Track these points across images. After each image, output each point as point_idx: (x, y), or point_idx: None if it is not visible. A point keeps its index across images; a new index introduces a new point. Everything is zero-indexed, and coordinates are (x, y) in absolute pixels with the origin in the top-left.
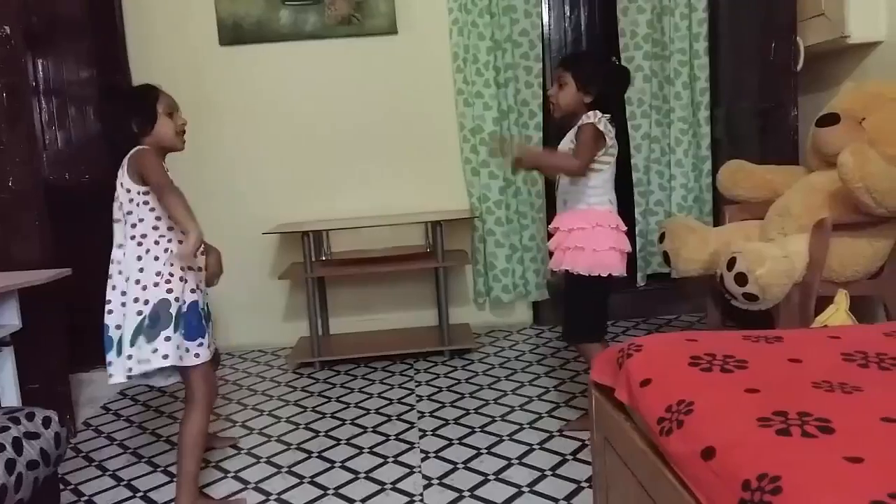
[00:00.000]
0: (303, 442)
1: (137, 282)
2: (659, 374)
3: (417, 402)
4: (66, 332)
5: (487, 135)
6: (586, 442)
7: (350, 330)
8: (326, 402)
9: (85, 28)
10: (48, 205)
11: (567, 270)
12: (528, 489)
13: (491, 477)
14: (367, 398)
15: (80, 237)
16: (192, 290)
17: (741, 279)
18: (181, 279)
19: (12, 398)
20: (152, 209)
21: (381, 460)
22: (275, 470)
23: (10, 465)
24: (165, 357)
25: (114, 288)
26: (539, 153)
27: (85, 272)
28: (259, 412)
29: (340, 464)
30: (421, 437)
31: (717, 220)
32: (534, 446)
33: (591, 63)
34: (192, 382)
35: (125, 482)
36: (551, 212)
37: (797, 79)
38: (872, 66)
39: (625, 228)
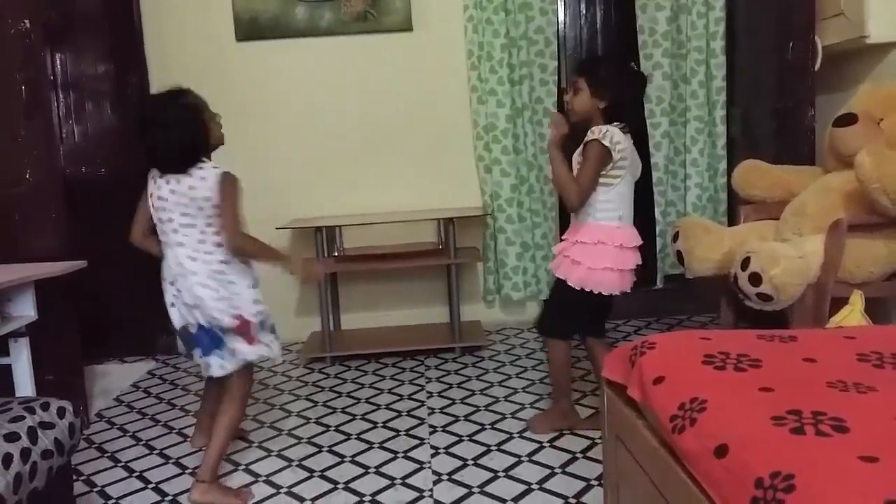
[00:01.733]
0: (313, 436)
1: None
2: (672, 372)
3: (428, 398)
4: (81, 324)
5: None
6: (597, 440)
7: (361, 326)
8: (337, 398)
9: (103, 23)
10: (65, 198)
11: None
12: (537, 486)
13: (500, 474)
14: (378, 394)
15: (96, 230)
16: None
17: (755, 279)
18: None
19: (27, 388)
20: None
21: (391, 455)
22: (285, 463)
23: (25, 454)
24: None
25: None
26: (555, 156)
27: (100, 265)
28: (270, 406)
29: (350, 458)
30: (431, 434)
31: (732, 221)
32: (543, 444)
33: (605, 68)
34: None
35: (137, 473)
36: (563, 211)
37: (815, 79)
38: (891, 67)
39: (634, 244)
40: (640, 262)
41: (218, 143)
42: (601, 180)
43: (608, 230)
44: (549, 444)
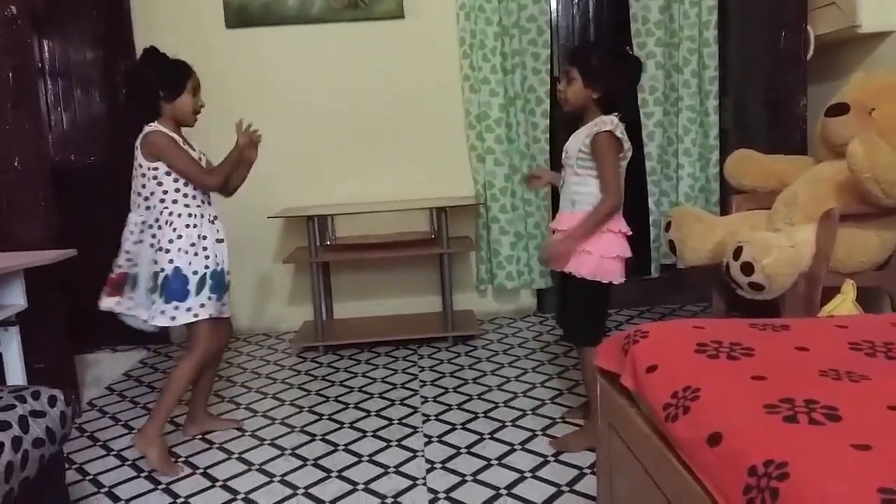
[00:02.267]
0: (306, 425)
1: (180, 249)
2: (665, 361)
3: (421, 387)
4: (71, 313)
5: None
6: None
7: (354, 315)
8: (330, 386)
9: (91, 10)
10: (53, 186)
11: (569, 272)
12: (530, 474)
13: (493, 462)
14: (371, 382)
15: (86, 218)
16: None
17: (747, 268)
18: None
19: (18, 377)
20: (160, 184)
21: (385, 444)
22: (278, 452)
23: (16, 443)
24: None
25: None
26: (570, 237)
27: (90, 253)
28: (263, 395)
29: (344, 447)
30: (424, 422)
31: (724, 210)
32: (536, 432)
33: (598, 57)
34: (194, 333)
35: (129, 462)
36: (555, 200)
37: (807, 68)
38: (883, 56)
39: (630, 233)
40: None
41: (185, 123)
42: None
43: (615, 219)
44: (541, 433)
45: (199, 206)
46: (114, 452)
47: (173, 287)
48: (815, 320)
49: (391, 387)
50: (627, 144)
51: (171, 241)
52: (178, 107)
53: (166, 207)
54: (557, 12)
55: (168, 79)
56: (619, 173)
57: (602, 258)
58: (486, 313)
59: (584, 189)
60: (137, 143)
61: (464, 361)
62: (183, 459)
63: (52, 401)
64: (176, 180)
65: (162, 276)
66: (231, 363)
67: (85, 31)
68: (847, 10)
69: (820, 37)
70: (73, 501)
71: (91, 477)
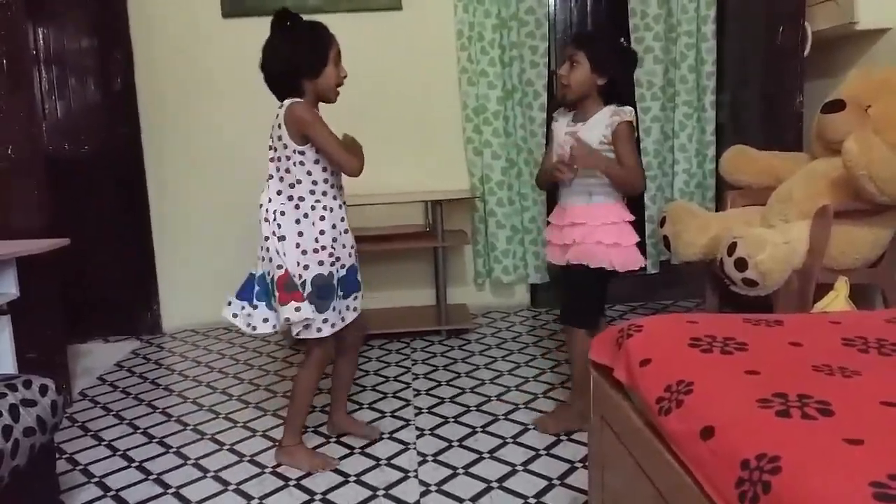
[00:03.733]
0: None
1: (297, 245)
2: (659, 355)
3: (413, 380)
4: (64, 302)
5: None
6: None
7: None
8: (323, 378)
9: None
10: (47, 174)
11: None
12: (521, 468)
13: (485, 455)
14: (364, 375)
15: (79, 207)
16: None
17: (741, 264)
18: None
19: (9, 367)
20: (309, 172)
21: (377, 436)
22: (270, 444)
23: (6, 432)
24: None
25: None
26: (608, 160)
27: (84, 242)
28: (255, 387)
29: (336, 439)
30: (416, 415)
31: (720, 207)
32: (528, 426)
33: (606, 43)
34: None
35: (120, 452)
36: (551, 195)
37: (804, 64)
38: (880, 53)
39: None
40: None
41: (328, 99)
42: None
43: (623, 209)
44: (533, 427)
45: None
46: (105, 442)
47: (324, 290)
48: (809, 316)
49: (384, 379)
50: (635, 134)
51: (316, 240)
52: (322, 83)
53: (318, 201)
54: (556, 5)
55: (313, 47)
56: (638, 156)
57: (627, 248)
58: (481, 307)
59: (603, 180)
60: (280, 120)
61: (457, 355)
62: (175, 450)
63: (44, 390)
64: (325, 167)
65: (303, 278)
66: (224, 354)
67: (80, 19)
68: (845, 6)
69: (817, 33)
70: (64, 491)
71: (82, 467)
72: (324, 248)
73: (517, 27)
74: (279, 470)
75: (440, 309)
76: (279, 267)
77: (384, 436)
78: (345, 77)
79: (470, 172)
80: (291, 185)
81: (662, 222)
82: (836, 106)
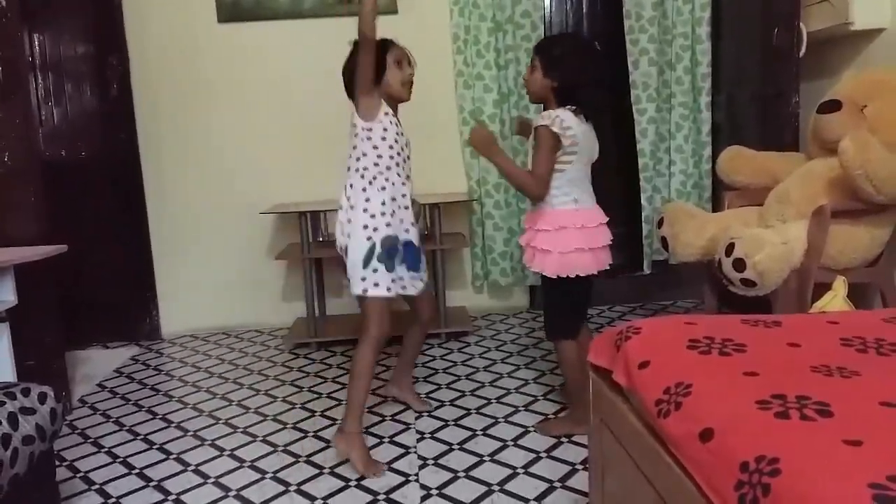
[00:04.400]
0: (299, 421)
1: (365, 210)
2: (657, 357)
3: (413, 383)
4: (62, 309)
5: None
6: None
7: (346, 311)
8: (322, 383)
9: (82, 3)
10: (44, 181)
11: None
12: (522, 471)
13: (486, 458)
14: None
15: (77, 213)
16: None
17: (739, 265)
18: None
19: (8, 374)
20: (375, 146)
21: (377, 440)
22: (271, 449)
23: (5, 440)
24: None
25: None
26: (498, 151)
27: (81, 249)
28: (255, 391)
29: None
30: (416, 419)
31: (717, 207)
32: (529, 428)
33: (560, 47)
34: (366, 314)
35: (121, 459)
36: None
37: (799, 65)
38: (875, 54)
39: (599, 222)
40: (612, 239)
41: (399, 97)
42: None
43: (567, 214)
44: (533, 429)
45: None
46: (105, 449)
47: (392, 251)
48: (807, 316)
49: (383, 383)
50: (569, 140)
51: (382, 203)
52: (387, 83)
53: (381, 172)
54: (551, 8)
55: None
56: (549, 167)
57: (562, 255)
58: (480, 310)
59: None
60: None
61: (456, 358)
62: (175, 456)
63: (43, 397)
64: (390, 144)
65: (373, 240)
66: (223, 360)
67: (76, 26)
68: (840, 7)
69: (812, 34)
70: (64, 499)
71: (82, 474)
72: (392, 213)
73: (513, 30)
74: (279, 475)
75: (439, 312)
76: (348, 236)
77: (384, 440)
78: (411, 75)
79: (467, 175)
80: (357, 159)
81: (660, 223)
82: (832, 106)
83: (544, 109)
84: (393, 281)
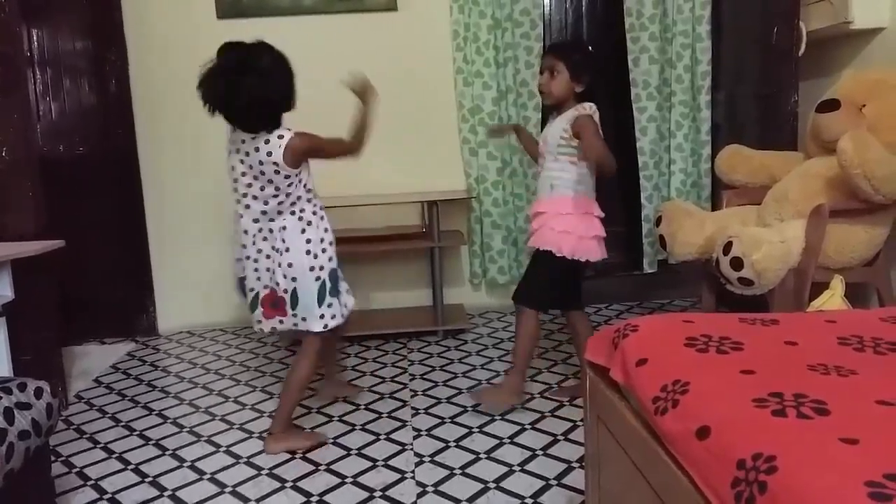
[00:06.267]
0: (296, 418)
1: (308, 252)
2: (655, 355)
3: (410, 380)
4: (59, 304)
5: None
6: (578, 423)
7: None
8: (319, 379)
9: None
10: (42, 176)
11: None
12: (518, 468)
13: (482, 455)
14: (360, 376)
15: (74, 209)
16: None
17: (737, 264)
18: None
19: (4, 369)
20: (305, 185)
21: (374, 437)
22: None
23: (1, 435)
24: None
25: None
26: (594, 132)
27: (78, 244)
28: (251, 388)
29: (333, 440)
30: (413, 416)
31: (716, 206)
32: (525, 426)
33: (582, 52)
34: (311, 339)
35: (116, 455)
36: None
37: (798, 64)
38: (874, 53)
39: (602, 215)
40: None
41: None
42: (580, 156)
43: (589, 202)
44: (530, 427)
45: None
46: (100, 445)
47: (338, 282)
48: (804, 315)
49: (380, 380)
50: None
51: (321, 240)
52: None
53: (314, 206)
54: (550, 6)
55: (290, 84)
56: (602, 142)
57: (581, 238)
58: (478, 308)
59: (563, 174)
60: (275, 156)
61: (454, 355)
62: (171, 452)
63: (39, 393)
64: (309, 174)
65: (321, 278)
66: (220, 356)
67: (74, 21)
68: (839, 6)
69: (812, 33)
70: (59, 494)
71: (77, 469)
72: (331, 243)
73: (512, 28)
74: (275, 471)
75: (437, 309)
76: (267, 287)
77: (381, 437)
78: None
79: (466, 173)
80: (293, 203)
81: (658, 221)
82: (831, 105)
83: (558, 112)
84: (343, 305)
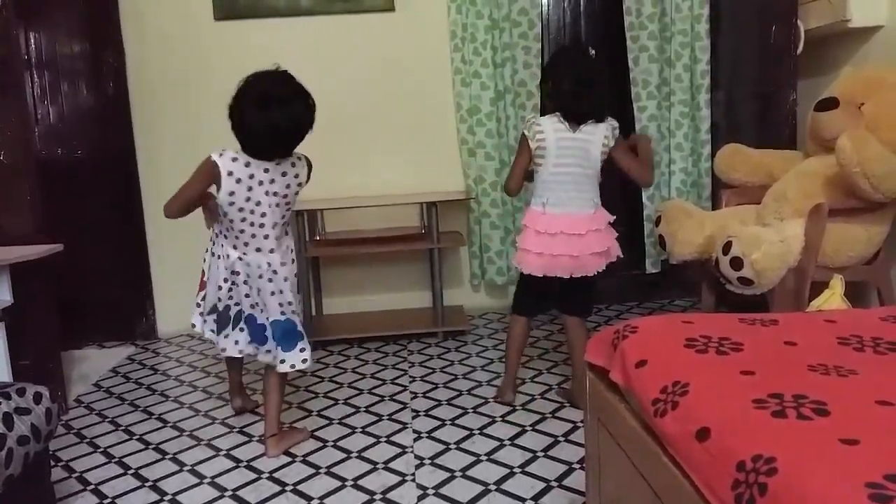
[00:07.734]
0: (295, 421)
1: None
2: (654, 356)
3: (410, 382)
4: (58, 308)
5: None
6: (578, 424)
7: (344, 310)
8: (319, 382)
9: (78, 1)
10: (40, 179)
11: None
12: (519, 470)
13: (483, 457)
14: (360, 378)
15: (73, 212)
16: None
17: (736, 263)
18: None
19: (3, 374)
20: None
21: (374, 440)
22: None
23: (0, 440)
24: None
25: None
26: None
27: (77, 248)
28: (251, 391)
29: (333, 443)
30: (413, 418)
31: (716, 206)
32: (526, 427)
33: (553, 57)
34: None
35: (116, 459)
36: None
37: (797, 63)
38: (873, 51)
39: (560, 230)
40: (574, 254)
41: None
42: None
43: (533, 215)
44: (531, 428)
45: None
46: (100, 450)
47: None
48: (804, 315)
49: (380, 382)
50: (535, 144)
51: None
52: None
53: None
54: (549, 6)
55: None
56: (514, 164)
57: (520, 250)
58: (477, 309)
59: (597, 188)
60: (302, 177)
61: (453, 357)
62: (171, 456)
63: (38, 398)
64: None
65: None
66: (219, 359)
67: (71, 23)
68: (837, 4)
69: (810, 31)
70: (59, 499)
71: (77, 474)
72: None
73: (510, 28)
74: (276, 475)
75: (436, 311)
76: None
77: (381, 439)
78: None
79: (465, 174)
80: (286, 223)
81: (658, 221)
82: (830, 104)
83: (574, 120)
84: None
